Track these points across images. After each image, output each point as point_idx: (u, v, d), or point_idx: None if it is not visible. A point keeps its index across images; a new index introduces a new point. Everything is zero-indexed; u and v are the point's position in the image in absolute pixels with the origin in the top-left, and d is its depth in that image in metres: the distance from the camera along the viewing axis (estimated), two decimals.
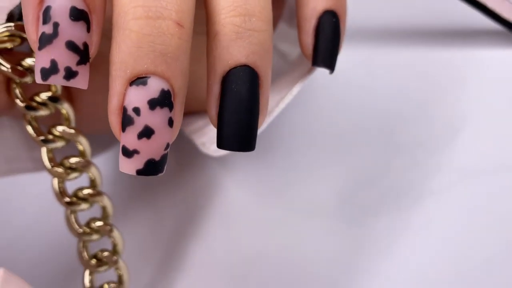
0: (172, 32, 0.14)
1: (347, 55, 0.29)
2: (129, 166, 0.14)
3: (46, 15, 0.13)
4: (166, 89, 0.14)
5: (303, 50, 0.18)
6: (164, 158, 0.14)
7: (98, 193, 0.20)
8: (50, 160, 0.20)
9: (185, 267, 0.23)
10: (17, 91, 0.19)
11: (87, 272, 0.20)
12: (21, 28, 0.18)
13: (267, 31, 0.15)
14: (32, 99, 0.19)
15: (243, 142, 0.15)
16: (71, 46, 0.13)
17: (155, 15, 0.13)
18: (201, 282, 0.23)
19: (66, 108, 0.20)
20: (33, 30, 0.14)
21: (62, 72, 0.13)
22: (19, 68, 0.18)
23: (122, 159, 0.14)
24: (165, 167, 0.15)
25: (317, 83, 0.28)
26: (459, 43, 0.26)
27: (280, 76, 0.25)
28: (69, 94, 0.21)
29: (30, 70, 0.18)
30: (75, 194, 0.20)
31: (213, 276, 0.23)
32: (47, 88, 0.19)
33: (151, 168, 0.14)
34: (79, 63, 0.14)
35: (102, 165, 0.25)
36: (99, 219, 0.21)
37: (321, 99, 0.27)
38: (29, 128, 0.19)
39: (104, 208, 0.21)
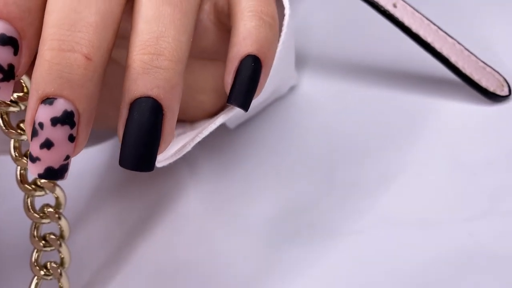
0: (79, 63, 0.16)
1: (317, 85, 0.30)
2: (33, 170, 0.17)
3: None
4: (69, 110, 0.16)
5: (225, 88, 0.20)
6: (63, 167, 0.17)
7: (53, 184, 0.23)
8: (16, 150, 0.23)
9: (122, 263, 0.26)
10: None
11: (34, 252, 0.24)
12: None
13: (174, 69, 0.17)
14: None
15: (139, 164, 0.17)
16: None
17: (67, 48, 0.16)
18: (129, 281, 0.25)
19: None
20: None
21: None
22: None
23: (29, 163, 0.17)
24: (65, 175, 0.17)
25: (292, 107, 0.30)
26: (423, 91, 0.27)
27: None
28: None
29: None
30: (33, 182, 0.23)
31: (142, 276, 0.25)
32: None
33: (51, 174, 0.17)
34: (1, 80, 0.16)
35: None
36: (51, 206, 0.24)
37: (289, 123, 0.29)
38: (0, 121, 0.22)
39: (57, 198, 0.24)
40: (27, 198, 0.23)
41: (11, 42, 0.16)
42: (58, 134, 0.16)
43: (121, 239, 0.27)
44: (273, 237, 0.24)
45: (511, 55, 0.27)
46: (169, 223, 0.27)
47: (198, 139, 0.22)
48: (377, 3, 0.25)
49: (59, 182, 0.24)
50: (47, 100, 0.16)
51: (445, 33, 0.25)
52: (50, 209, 0.24)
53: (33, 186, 0.23)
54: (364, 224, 0.22)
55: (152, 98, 0.17)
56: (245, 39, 0.19)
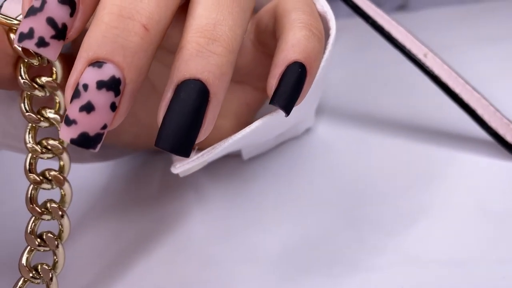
0: (136, 31, 0.16)
1: (339, 130, 0.31)
2: (65, 134, 0.16)
3: None
4: (117, 76, 0.16)
5: (267, 90, 0.20)
6: (98, 136, 0.16)
7: (63, 178, 0.22)
8: (31, 137, 0.22)
9: (119, 280, 0.24)
10: (22, 70, 0.21)
11: (27, 250, 0.22)
12: None
13: (227, 57, 0.17)
14: (33, 80, 0.22)
15: (177, 145, 0.16)
16: (50, 21, 0.16)
17: (127, 15, 0.16)
18: None
19: (59, 96, 0.22)
20: (26, 3, 0.17)
21: (35, 40, 0.16)
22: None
23: (63, 126, 0.16)
24: (98, 146, 0.16)
25: (307, 146, 0.30)
26: (446, 142, 0.27)
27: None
28: None
29: (38, 54, 0.21)
30: (42, 173, 0.22)
31: None
32: (50, 74, 0.22)
33: (84, 140, 0.16)
34: (53, 37, 0.16)
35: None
36: (55, 202, 0.22)
37: (303, 160, 0.29)
38: (22, 104, 0.22)
39: (63, 195, 0.22)
40: (32, 190, 0.22)
41: (69, 1, 0.16)
42: (102, 98, 0.16)
43: (119, 255, 0.25)
44: (285, 268, 0.22)
45: None
46: (171, 243, 0.25)
47: (231, 141, 0.21)
48: (409, 51, 0.26)
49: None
50: (96, 63, 0.16)
51: (472, 87, 0.26)
52: (54, 205, 0.22)
53: (40, 177, 0.22)
54: (386, 261, 0.21)
55: (201, 81, 0.17)
56: (294, 46, 0.19)
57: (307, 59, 0.19)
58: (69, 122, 0.16)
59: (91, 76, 0.16)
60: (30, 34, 0.16)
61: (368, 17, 0.27)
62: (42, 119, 0.22)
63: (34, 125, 0.22)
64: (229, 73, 0.17)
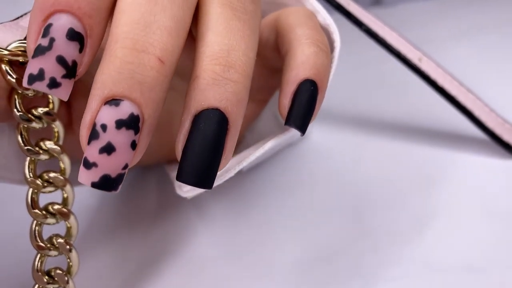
0: (152, 65, 0.15)
1: (341, 136, 0.31)
2: (86, 177, 0.15)
3: (46, 31, 0.15)
4: (135, 113, 0.15)
5: (280, 110, 0.20)
6: (120, 177, 0.15)
7: (67, 212, 0.21)
8: (30, 171, 0.21)
9: None
10: (17, 102, 0.20)
11: None
12: None
13: (243, 84, 0.17)
14: (29, 111, 0.20)
15: (200, 178, 0.16)
16: (60, 60, 0.15)
17: (141, 48, 0.15)
18: None
19: (57, 126, 0.21)
20: (32, 41, 0.16)
21: (46, 81, 0.15)
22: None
23: (82, 169, 0.15)
24: (119, 186, 0.15)
25: (304, 154, 0.30)
26: (444, 144, 0.27)
27: (269, 135, 0.26)
28: (69, 119, 0.23)
29: None
30: (45, 208, 0.21)
31: None
32: (46, 104, 0.21)
33: (106, 183, 0.15)
34: (64, 76, 0.15)
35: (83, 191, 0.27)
36: (62, 237, 0.21)
37: (303, 169, 0.28)
38: (19, 137, 0.21)
39: (69, 228, 0.21)
40: (35, 226, 0.21)
41: (78, 38, 0.15)
42: (122, 138, 0.15)
43: (127, 284, 0.25)
44: (303, 282, 0.22)
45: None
46: (182, 266, 0.25)
47: (245, 163, 0.20)
48: (405, 56, 0.26)
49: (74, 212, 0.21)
50: (113, 101, 0.15)
51: (467, 88, 0.26)
52: (61, 240, 0.21)
53: (44, 212, 0.21)
54: (403, 271, 0.21)
55: (219, 110, 0.16)
56: (304, 63, 0.19)
57: (318, 76, 0.19)
58: (88, 165, 0.15)
59: (109, 116, 0.15)
60: (40, 76, 0.15)
61: (361, 23, 0.27)
62: (41, 151, 0.21)
63: (33, 158, 0.21)
64: (245, 99, 0.17)
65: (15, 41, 0.20)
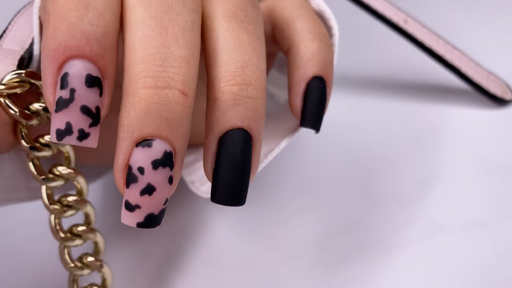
0: (177, 100, 0.15)
1: (331, 104, 0.31)
2: (130, 219, 0.15)
3: (63, 81, 0.15)
4: (168, 150, 0.15)
5: (293, 110, 0.20)
6: (162, 212, 0.16)
7: (91, 230, 0.21)
8: (49, 197, 0.21)
9: None
10: (23, 133, 0.20)
11: None
12: (30, 75, 0.19)
13: (261, 98, 0.17)
14: (37, 140, 0.20)
15: (235, 198, 0.17)
16: (85, 110, 0.15)
17: (163, 85, 0.15)
18: None
19: (67, 149, 0.21)
20: (50, 93, 0.15)
21: (75, 134, 0.15)
22: (26, 111, 0.19)
23: (125, 212, 0.15)
24: (162, 220, 0.16)
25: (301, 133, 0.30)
26: (434, 99, 0.28)
27: (268, 119, 0.27)
28: None
29: (36, 113, 0.20)
30: (70, 230, 0.21)
31: None
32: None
33: (151, 221, 0.15)
34: (91, 125, 0.15)
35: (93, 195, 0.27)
36: (91, 255, 0.22)
37: (305, 149, 0.29)
38: (32, 167, 0.20)
39: (96, 244, 0.22)
40: (64, 248, 0.21)
41: (97, 83, 0.15)
42: (160, 177, 0.15)
43: (154, 278, 0.26)
44: (327, 257, 0.24)
45: (499, 62, 0.29)
46: (202, 256, 0.26)
47: (264, 164, 0.21)
48: (391, 20, 0.26)
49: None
50: (144, 142, 0.15)
51: (452, 45, 0.27)
52: (91, 258, 0.22)
53: (68, 234, 0.21)
54: (416, 234, 0.23)
55: (243, 129, 0.16)
56: (310, 60, 0.19)
57: (325, 71, 0.19)
58: (131, 207, 0.15)
59: (144, 158, 0.15)
60: (68, 130, 0.15)
61: None
62: (56, 177, 0.21)
63: (48, 185, 0.21)
64: (264, 111, 0.17)
65: (8, 73, 0.19)
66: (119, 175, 0.15)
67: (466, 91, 0.28)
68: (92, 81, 0.15)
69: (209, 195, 0.23)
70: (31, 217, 0.28)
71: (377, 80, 0.31)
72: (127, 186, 0.15)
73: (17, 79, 0.19)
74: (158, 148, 0.15)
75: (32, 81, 0.19)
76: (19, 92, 0.19)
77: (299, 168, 0.28)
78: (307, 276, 0.23)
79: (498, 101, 0.27)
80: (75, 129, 0.15)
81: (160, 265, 0.26)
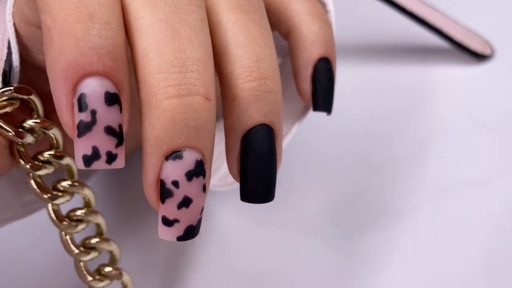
0: (202, 107, 0.14)
1: None
2: (169, 234, 0.15)
3: (81, 103, 0.14)
4: (199, 159, 0.15)
5: (302, 95, 0.20)
6: (199, 221, 0.15)
7: (105, 240, 0.21)
8: (56, 214, 0.20)
9: None
10: (21, 153, 0.19)
11: None
12: (19, 90, 0.18)
13: (279, 90, 0.16)
14: (36, 158, 0.19)
15: (266, 195, 0.16)
16: (109, 131, 0.14)
17: (186, 92, 0.14)
18: None
19: (68, 162, 0.20)
20: (68, 117, 0.14)
21: (104, 158, 0.14)
22: (20, 130, 0.18)
23: (163, 227, 0.15)
24: (199, 230, 0.16)
25: None
26: (419, 62, 0.29)
27: None
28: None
29: (31, 130, 0.18)
30: (83, 244, 0.20)
31: None
32: (49, 145, 0.19)
33: (190, 233, 0.15)
34: (117, 145, 0.14)
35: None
36: (108, 265, 0.21)
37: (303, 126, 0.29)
38: (34, 186, 0.19)
39: (111, 252, 0.21)
40: (80, 262, 0.21)
41: (116, 100, 0.14)
42: (194, 188, 0.15)
43: (168, 273, 0.25)
44: (339, 228, 0.24)
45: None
46: (213, 245, 0.26)
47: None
48: None
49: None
50: (174, 154, 0.14)
51: (431, 6, 0.27)
52: (108, 269, 0.21)
53: (82, 249, 0.20)
54: (423, 198, 0.24)
55: (265, 124, 0.16)
56: (314, 42, 0.19)
57: (329, 52, 0.19)
58: (169, 222, 0.15)
59: (177, 171, 0.14)
60: (96, 155, 0.14)
61: None
62: (60, 194, 0.20)
63: (54, 203, 0.20)
64: (282, 103, 0.17)
65: None
66: (150, 191, 0.15)
67: (446, 49, 0.28)
68: (112, 99, 0.14)
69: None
70: (32, 217, 0.27)
71: (360, 46, 0.31)
72: (162, 201, 0.15)
73: (5, 97, 0.18)
74: (189, 159, 0.14)
75: (21, 96, 0.18)
76: (9, 111, 0.18)
77: (299, 145, 0.28)
78: (323, 251, 0.24)
79: (479, 57, 0.28)
80: (103, 152, 0.14)
81: (171, 261, 0.26)
